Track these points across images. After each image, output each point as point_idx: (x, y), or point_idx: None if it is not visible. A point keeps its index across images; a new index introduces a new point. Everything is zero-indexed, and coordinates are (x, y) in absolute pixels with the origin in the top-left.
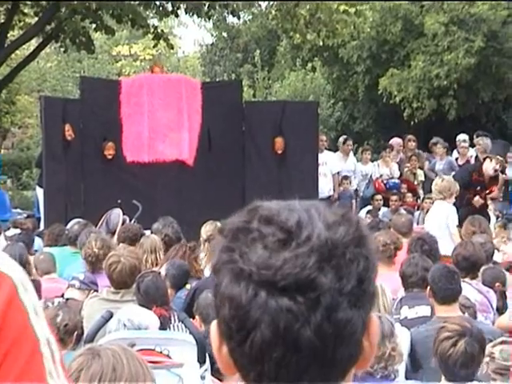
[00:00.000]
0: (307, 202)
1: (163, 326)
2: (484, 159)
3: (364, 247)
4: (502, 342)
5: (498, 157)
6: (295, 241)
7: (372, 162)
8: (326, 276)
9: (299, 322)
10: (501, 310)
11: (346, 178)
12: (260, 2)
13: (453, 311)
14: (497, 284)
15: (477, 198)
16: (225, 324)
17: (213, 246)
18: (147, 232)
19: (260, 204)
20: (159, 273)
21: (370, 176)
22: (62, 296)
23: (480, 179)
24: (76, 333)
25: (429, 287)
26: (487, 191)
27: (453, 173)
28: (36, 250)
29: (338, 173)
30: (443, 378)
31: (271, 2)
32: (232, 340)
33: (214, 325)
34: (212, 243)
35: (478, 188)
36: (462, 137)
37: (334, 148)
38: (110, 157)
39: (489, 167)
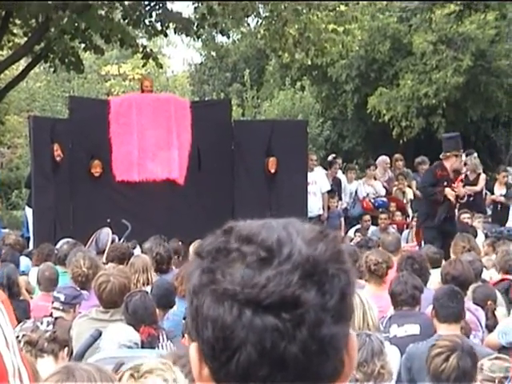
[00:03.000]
0: (283, 220)
1: (152, 345)
2: (445, 158)
3: (343, 262)
4: (496, 358)
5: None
6: (277, 259)
7: (356, 180)
8: (309, 292)
9: (285, 340)
10: (490, 328)
11: (332, 196)
12: (249, 21)
13: (454, 331)
14: (489, 302)
15: (447, 189)
16: (208, 345)
17: (189, 268)
18: (136, 251)
19: (235, 224)
20: (147, 292)
21: (355, 194)
22: (51, 315)
23: (444, 174)
24: (67, 348)
25: (431, 306)
26: (453, 184)
27: None
28: (23, 271)
29: (328, 192)
30: None
31: (259, 22)
32: (216, 361)
33: (192, 347)
34: (187, 266)
35: (445, 183)
36: None
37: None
38: (96, 174)
39: (451, 165)
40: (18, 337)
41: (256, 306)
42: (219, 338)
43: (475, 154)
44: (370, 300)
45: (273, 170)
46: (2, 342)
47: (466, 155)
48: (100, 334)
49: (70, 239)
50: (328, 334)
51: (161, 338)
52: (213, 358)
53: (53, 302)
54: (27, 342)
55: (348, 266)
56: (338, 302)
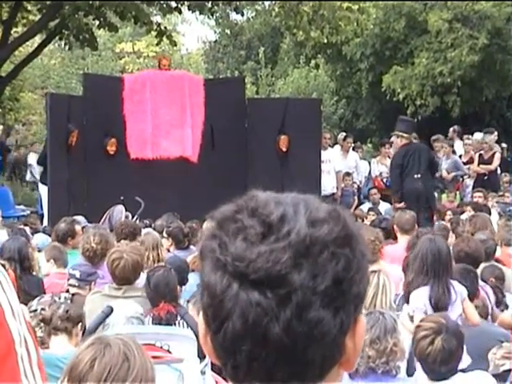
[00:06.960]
0: (300, 196)
1: (169, 322)
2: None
3: (348, 247)
4: None
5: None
6: (275, 235)
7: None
8: (299, 273)
9: (268, 317)
10: (496, 304)
11: (348, 174)
12: None
13: None
14: (491, 279)
15: None
16: (204, 311)
17: (203, 231)
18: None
19: (254, 194)
20: (171, 268)
21: (369, 173)
22: (68, 291)
23: None
24: (80, 324)
25: None
26: None
27: (458, 172)
28: (39, 248)
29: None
30: (425, 376)
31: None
32: (210, 329)
33: (201, 312)
34: (203, 228)
35: None
36: (467, 136)
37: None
38: (112, 152)
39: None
40: (36, 310)
41: (243, 279)
42: (211, 305)
43: (496, 133)
44: (389, 285)
45: (284, 149)
46: (8, 311)
47: (485, 133)
48: (111, 310)
49: (67, 217)
50: (315, 318)
51: (179, 316)
52: (208, 325)
53: (68, 279)
54: (41, 320)
55: (353, 252)
56: (329, 287)
